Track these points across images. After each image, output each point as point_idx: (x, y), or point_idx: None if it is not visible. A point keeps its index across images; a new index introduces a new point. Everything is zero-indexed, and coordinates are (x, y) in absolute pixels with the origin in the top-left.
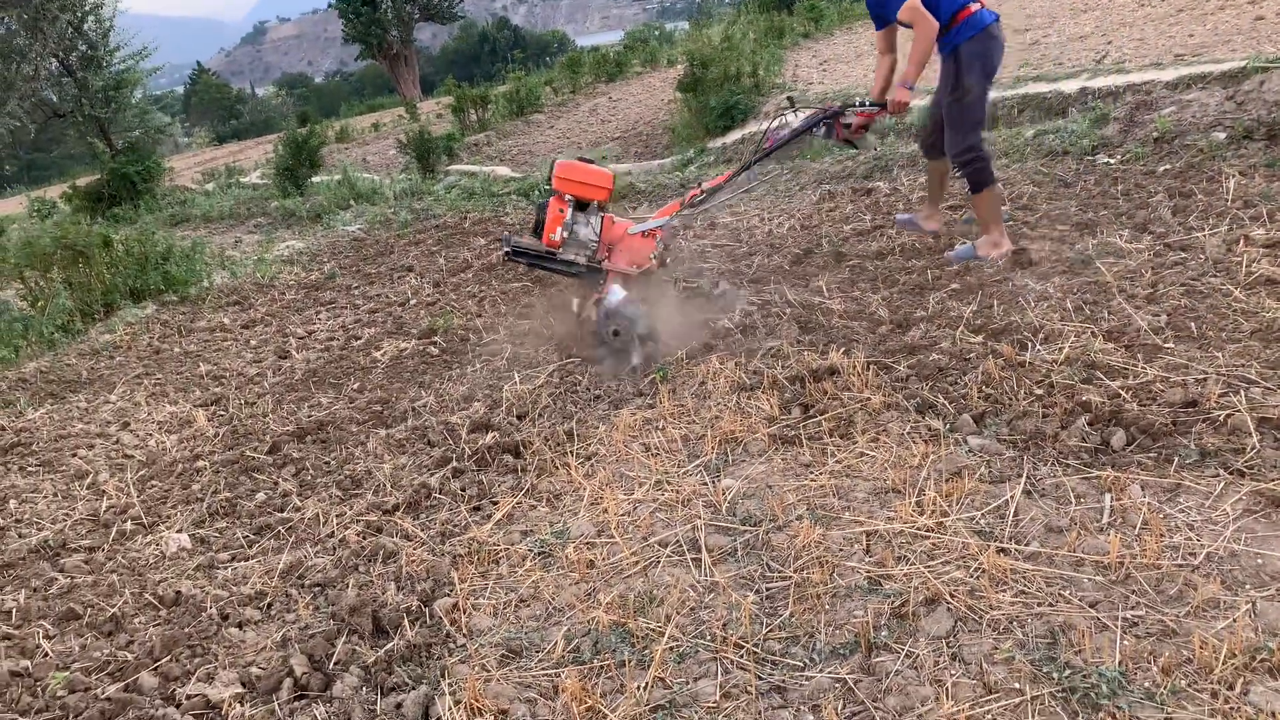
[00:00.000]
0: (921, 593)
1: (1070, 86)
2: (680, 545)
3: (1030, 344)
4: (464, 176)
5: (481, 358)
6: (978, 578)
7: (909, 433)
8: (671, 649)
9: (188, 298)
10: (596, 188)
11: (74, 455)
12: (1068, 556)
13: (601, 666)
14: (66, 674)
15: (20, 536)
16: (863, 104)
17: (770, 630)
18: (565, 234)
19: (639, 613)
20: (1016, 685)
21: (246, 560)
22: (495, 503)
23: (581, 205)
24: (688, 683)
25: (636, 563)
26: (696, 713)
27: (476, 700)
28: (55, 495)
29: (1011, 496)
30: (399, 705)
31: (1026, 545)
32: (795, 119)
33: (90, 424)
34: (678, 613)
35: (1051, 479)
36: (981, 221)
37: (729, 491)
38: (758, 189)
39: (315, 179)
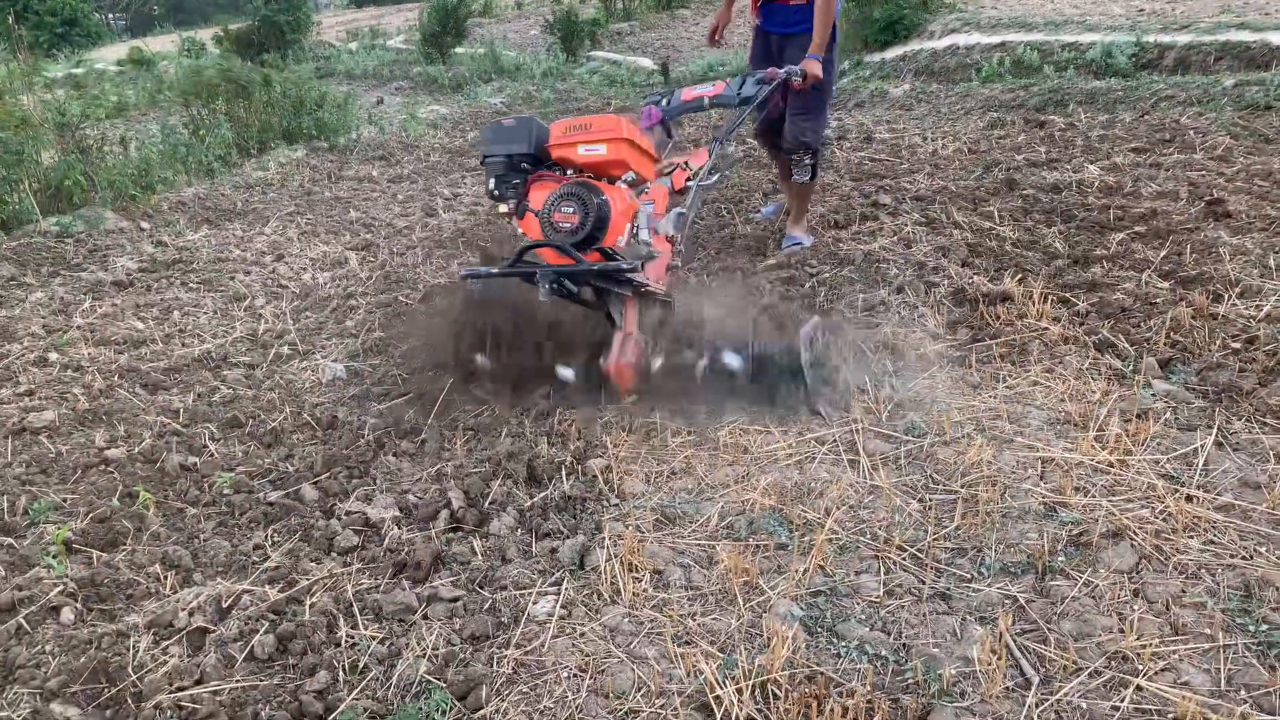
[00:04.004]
0: (1104, 525)
1: (1278, 38)
2: (837, 445)
3: (1225, 296)
4: (606, 64)
5: None
6: (1164, 520)
7: (1088, 368)
8: (831, 540)
9: (336, 146)
10: (653, 159)
11: (232, 278)
12: (1266, 514)
13: (758, 545)
14: (231, 475)
15: (184, 345)
16: (796, 75)
17: (936, 539)
18: (632, 236)
19: (797, 501)
20: (1207, 631)
21: (402, 398)
22: None
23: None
24: (849, 575)
25: (791, 455)
26: (859, 604)
27: (632, 556)
28: (215, 313)
29: (1201, 445)
30: (554, 550)
31: (1218, 496)
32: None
33: (246, 252)
34: (837, 508)
35: (1247, 434)
36: (802, 212)
37: (889, 401)
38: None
39: (459, 49)
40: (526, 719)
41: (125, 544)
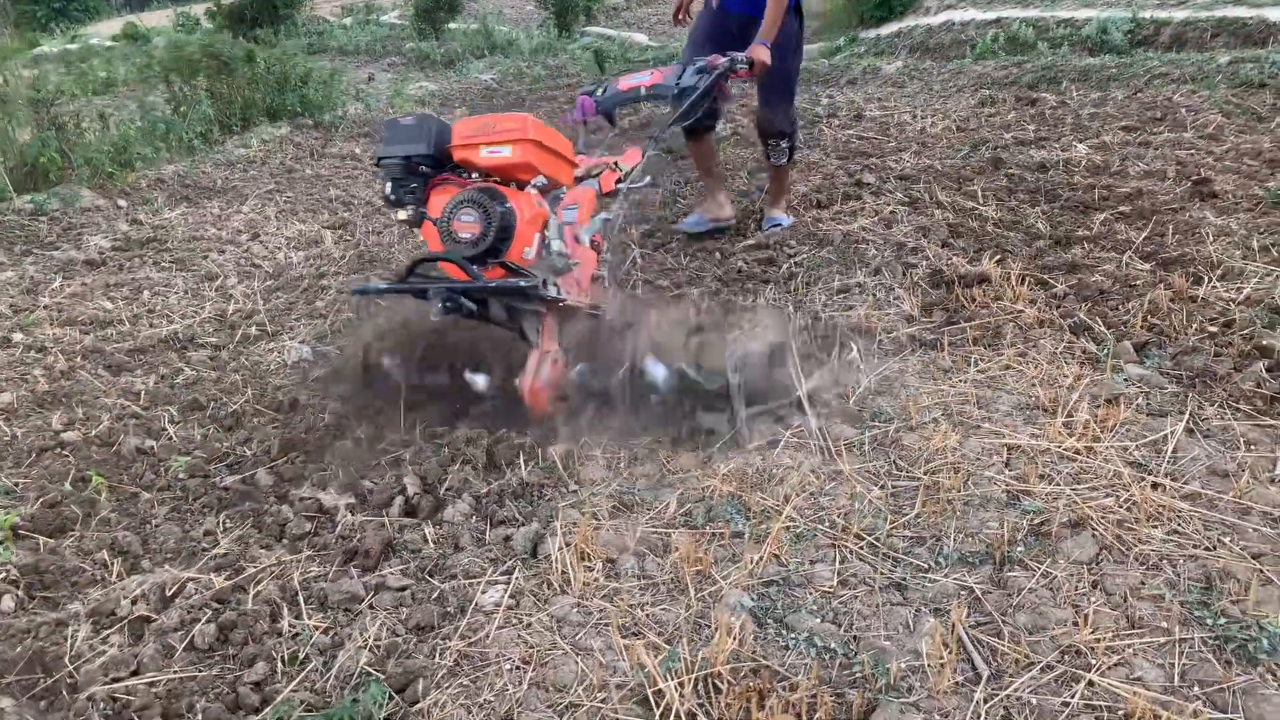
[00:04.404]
0: (1065, 514)
1: (1276, 15)
2: (801, 430)
3: (1206, 278)
4: (600, 39)
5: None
6: (1128, 509)
7: (1061, 352)
8: (788, 528)
9: (321, 123)
10: (568, 162)
11: (205, 257)
12: (1232, 503)
13: (715, 533)
14: (188, 459)
15: (151, 326)
16: (741, 63)
17: (895, 527)
18: (543, 247)
19: (757, 487)
20: (1164, 624)
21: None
22: None
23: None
24: (804, 564)
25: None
26: (811, 594)
27: (586, 544)
28: (185, 293)
29: (1171, 432)
30: (508, 538)
31: (1185, 484)
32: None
33: (222, 230)
34: (797, 494)
35: (1219, 421)
36: (781, 192)
37: (858, 385)
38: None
39: (452, 25)
40: (465, 712)
41: (74, 530)
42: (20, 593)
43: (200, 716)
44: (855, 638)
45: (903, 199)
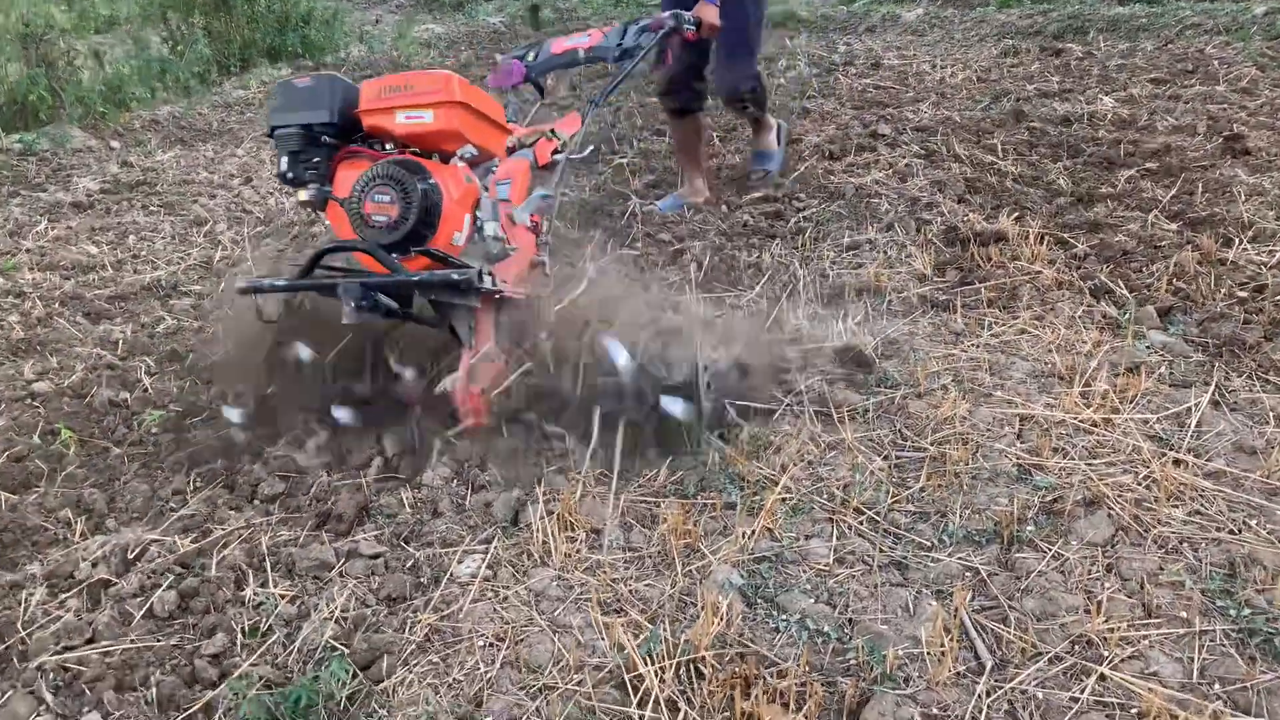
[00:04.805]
0: (1080, 492)
1: None
2: (802, 395)
3: (1236, 240)
4: None
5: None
6: (1147, 487)
7: (1081, 316)
8: (784, 500)
9: (323, 65)
10: (500, 129)
11: (195, 202)
12: (1260, 482)
13: (706, 504)
14: (162, 413)
15: (135, 272)
16: (689, 23)
17: (897, 501)
18: (475, 230)
19: (752, 456)
20: (1183, 614)
21: None
22: None
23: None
24: (799, 539)
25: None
26: (805, 572)
27: (571, 514)
28: (172, 238)
29: (1195, 404)
30: (488, 504)
31: (1209, 461)
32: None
33: (214, 174)
34: (794, 464)
35: (1247, 393)
36: (763, 126)
37: (865, 346)
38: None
39: None
40: (432, 692)
41: (39, 486)
42: None
43: (154, 690)
44: (850, 621)
45: (919, 152)
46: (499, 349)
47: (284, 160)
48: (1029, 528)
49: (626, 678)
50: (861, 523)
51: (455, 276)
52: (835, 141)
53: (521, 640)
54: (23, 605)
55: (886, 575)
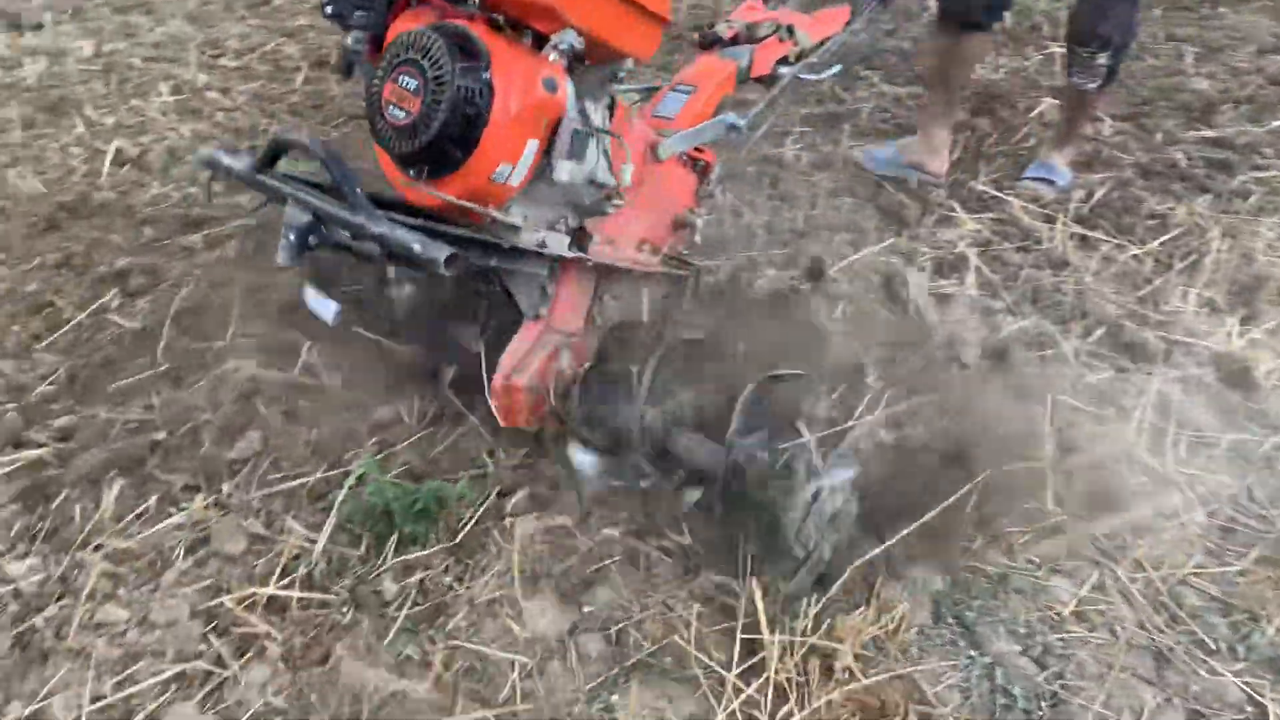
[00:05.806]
0: None
1: None
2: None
3: None
4: None
5: None
6: None
7: None
8: None
9: None
10: (651, 18)
11: None
12: None
13: None
14: None
15: None
16: None
17: (1196, 574)
18: (547, 166)
19: None
20: None
21: None
22: None
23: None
24: (1040, 564)
25: None
26: (1027, 610)
27: None
28: None
29: None
30: None
31: None
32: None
33: None
34: None
35: None
36: (1072, 133)
37: (1256, 365)
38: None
39: None
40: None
41: None
42: None
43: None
44: (1054, 695)
45: None
46: (583, 332)
47: None
48: None
49: None
50: (1135, 581)
51: (417, 248)
52: None
53: None
54: None
55: (1133, 661)
